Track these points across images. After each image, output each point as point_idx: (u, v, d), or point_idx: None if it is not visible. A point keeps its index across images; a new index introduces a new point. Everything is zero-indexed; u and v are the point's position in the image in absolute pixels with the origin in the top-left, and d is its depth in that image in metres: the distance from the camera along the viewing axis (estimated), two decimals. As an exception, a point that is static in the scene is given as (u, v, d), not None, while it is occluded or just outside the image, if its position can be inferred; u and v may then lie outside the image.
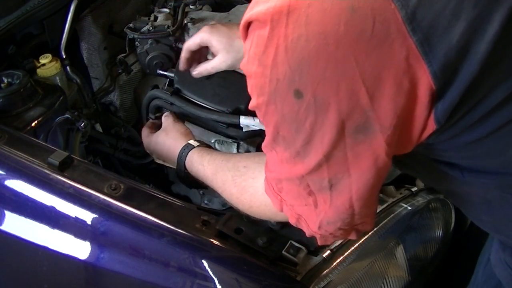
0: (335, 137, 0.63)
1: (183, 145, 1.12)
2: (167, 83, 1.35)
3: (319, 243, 0.78)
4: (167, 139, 1.18)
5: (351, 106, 0.60)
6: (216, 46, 1.17)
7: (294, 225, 0.79)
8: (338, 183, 0.68)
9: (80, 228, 0.97)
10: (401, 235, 1.07)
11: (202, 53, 1.26)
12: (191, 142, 1.13)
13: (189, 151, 1.09)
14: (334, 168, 0.66)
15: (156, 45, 1.38)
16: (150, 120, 1.34)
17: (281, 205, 0.79)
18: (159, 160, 1.26)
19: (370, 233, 0.99)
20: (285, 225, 0.98)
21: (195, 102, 1.26)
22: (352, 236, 0.76)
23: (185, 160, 1.09)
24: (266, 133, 0.72)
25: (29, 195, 1.00)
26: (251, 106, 0.71)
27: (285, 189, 0.76)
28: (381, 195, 1.06)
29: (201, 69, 1.23)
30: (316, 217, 0.73)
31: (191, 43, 1.22)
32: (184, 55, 1.24)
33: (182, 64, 1.26)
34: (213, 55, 1.21)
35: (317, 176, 0.68)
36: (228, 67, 1.18)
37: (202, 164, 1.05)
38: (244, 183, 0.92)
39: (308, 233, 0.78)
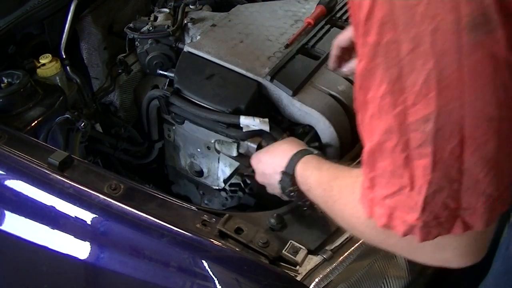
0: (451, 29, 0.53)
1: (302, 149, 1.01)
2: (167, 83, 1.35)
3: (420, 238, 0.64)
4: (283, 143, 1.09)
5: None
6: None
7: (385, 228, 0.66)
8: (446, 124, 0.57)
9: (80, 228, 0.97)
10: (401, 235, 1.07)
11: (352, 50, 1.14)
12: (311, 149, 1.03)
13: (307, 154, 0.99)
14: (445, 92, 0.55)
15: (156, 45, 1.38)
16: None
17: (371, 206, 0.66)
18: (259, 175, 1.12)
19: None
20: (285, 225, 0.98)
21: (195, 102, 1.26)
22: (457, 229, 0.62)
23: (297, 161, 0.97)
24: (362, 54, 0.60)
25: (29, 195, 1.00)
26: None
27: (378, 174, 0.64)
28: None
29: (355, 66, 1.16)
30: (416, 196, 0.61)
31: (341, 39, 1.13)
32: (334, 52, 1.16)
33: (332, 62, 1.18)
34: None
35: (422, 111, 0.57)
36: None
37: (319, 169, 0.93)
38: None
39: (404, 230, 0.63)
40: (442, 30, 0.53)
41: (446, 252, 0.67)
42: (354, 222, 0.77)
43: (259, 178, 1.12)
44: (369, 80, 0.61)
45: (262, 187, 1.13)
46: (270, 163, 1.07)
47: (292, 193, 0.98)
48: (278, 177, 1.00)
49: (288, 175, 0.98)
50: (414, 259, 0.73)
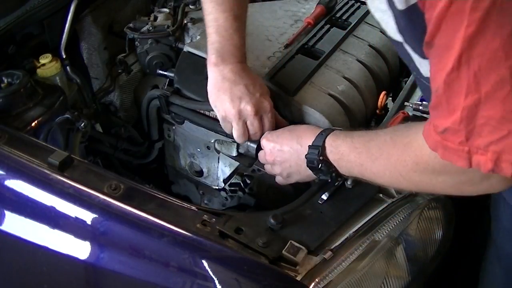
0: None
1: (327, 128, 1.03)
2: (167, 83, 1.35)
3: None
4: (300, 126, 1.10)
5: None
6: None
7: (488, 173, 0.71)
8: None
9: (80, 228, 0.97)
10: (401, 235, 1.07)
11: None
12: (335, 128, 1.04)
13: (333, 130, 1.01)
14: None
15: (156, 45, 1.38)
16: None
17: (469, 157, 0.70)
18: (272, 153, 1.09)
19: (370, 233, 0.99)
20: (285, 225, 0.98)
21: (195, 102, 1.26)
22: None
23: (326, 135, 0.99)
24: (471, 19, 0.64)
25: (29, 195, 1.00)
26: None
27: (480, 123, 0.68)
28: (380, 195, 1.07)
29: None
30: None
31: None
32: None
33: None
34: None
35: None
36: None
37: (351, 137, 0.96)
38: (407, 140, 0.83)
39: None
40: None
41: (492, 179, 0.75)
42: (399, 168, 0.84)
43: (270, 156, 1.10)
44: (479, 40, 0.64)
45: (271, 179, 1.14)
46: (290, 139, 1.07)
47: (320, 164, 0.98)
48: (302, 151, 1.02)
49: (317, 147, 0.99)
50: (462, 190, 0.83)
